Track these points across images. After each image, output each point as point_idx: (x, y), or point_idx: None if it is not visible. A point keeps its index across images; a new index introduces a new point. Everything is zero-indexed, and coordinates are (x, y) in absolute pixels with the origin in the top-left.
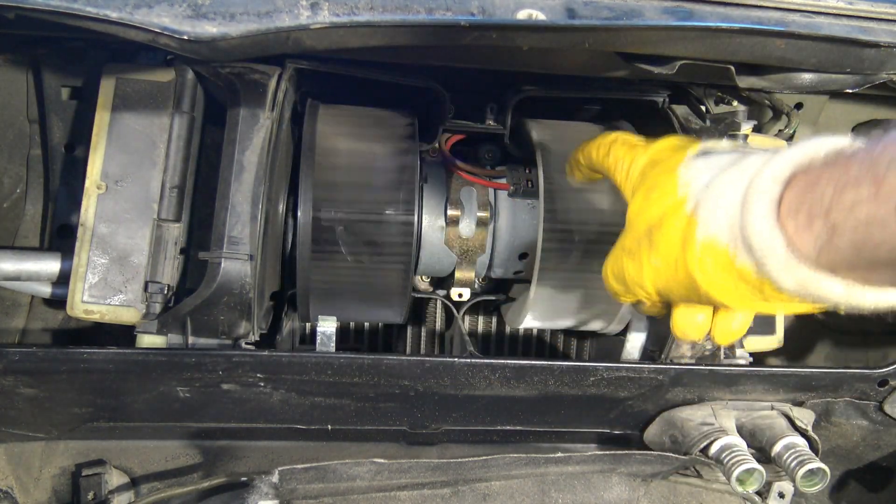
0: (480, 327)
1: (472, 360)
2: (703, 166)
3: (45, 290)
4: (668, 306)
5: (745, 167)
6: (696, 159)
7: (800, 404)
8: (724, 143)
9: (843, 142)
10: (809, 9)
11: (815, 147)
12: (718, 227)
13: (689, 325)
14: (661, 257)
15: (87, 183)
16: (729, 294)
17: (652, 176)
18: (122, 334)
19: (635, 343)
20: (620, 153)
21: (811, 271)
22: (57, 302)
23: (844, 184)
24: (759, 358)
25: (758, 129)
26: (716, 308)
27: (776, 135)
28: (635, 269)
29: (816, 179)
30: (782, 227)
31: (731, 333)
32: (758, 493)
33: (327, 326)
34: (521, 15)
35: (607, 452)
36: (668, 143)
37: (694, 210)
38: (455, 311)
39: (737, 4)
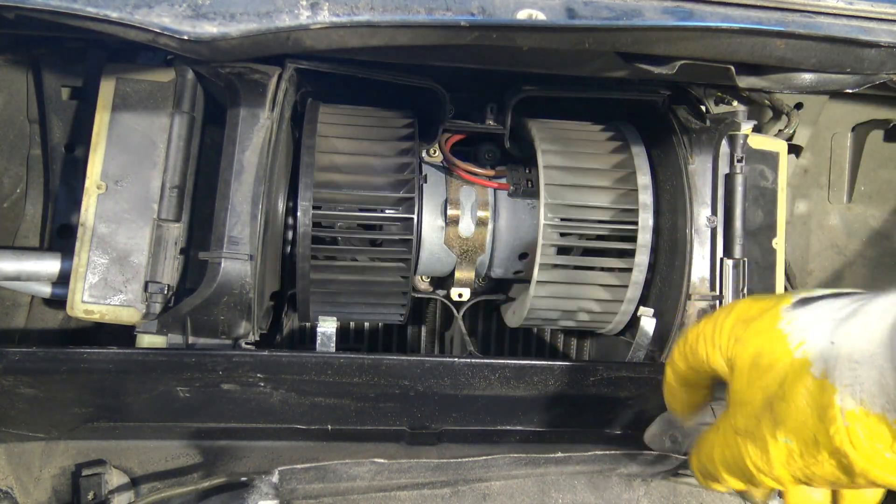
0: (480, 327)
1: (472, 360)
2: (812, 318)
3: (45, 290)
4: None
5: (874, 314)
6: (796, 311)
7: None
8: (817, 289)
9: None
10: (809, 9)
11: None
12: (866, 392)
13: None
14: (793, 435)
15: (87, 183)
16: (891, 470)
17: (749, 338)
18: (122, 334)
19: (642, 343)
20: (701, 329)
21: None
22: (57, 302)
23: None
24: None
25: (758, 129)
26: None
27: (776, 135)
28: (759, 454)
29: None
30: None
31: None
32: None
33: (327, 326)
34: (521, 15)
35: (607, 452)
36: (750, 300)
37: (825, 373)
38: (455, 311)
39: (737, 4)
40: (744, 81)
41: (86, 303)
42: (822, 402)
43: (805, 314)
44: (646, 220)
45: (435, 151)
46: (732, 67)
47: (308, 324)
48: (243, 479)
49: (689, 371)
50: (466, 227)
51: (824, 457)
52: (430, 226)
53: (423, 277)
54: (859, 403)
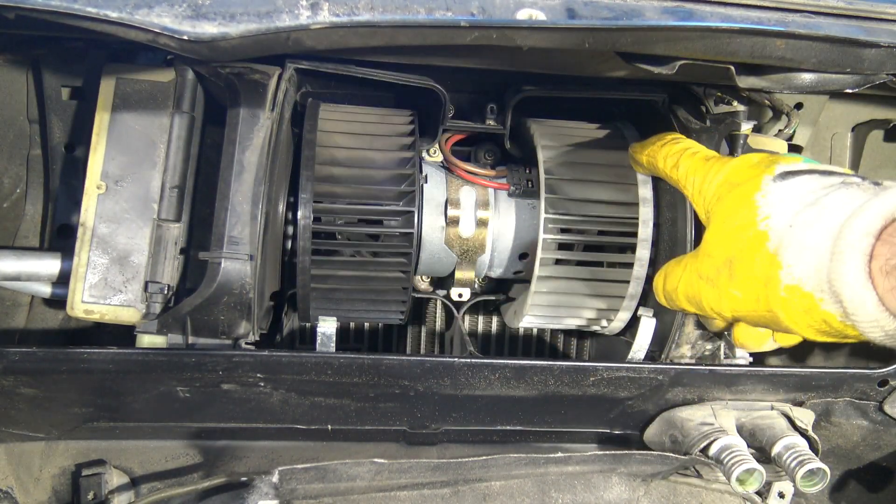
0: (480, 327)
1: (472, 360)
2: (783, 196)
3: (45, 290)
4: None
5: (831, 209)
6: (774, 184)
7: (800, 404)
8: (802, 163)
9: None
10: (809, 9)
11: None
12: (804, 274)
13: (750, 337)
14: (742, 290)
15: (87, 183)
16: (810, 331)
17: (729, 201)
18: (122, 334)
19: (642, 343)
20: (692, 167)
21: None
22: (57, 302)
23: None
24: (758, 358)
25: (758, 129)
26: None
27: (776, 135)
28: (714, 297)
29: None
30: (874, 283)
31: (788, 339)
32: (758, 493)
33: (327, 326)
34: (521, 15)
35: (607, 452)
36: (744, 161)
37: (777, 250)
38: (455, 311)
39: (737, 4)
40: (744, 81)
41: (86, 303)
42: (770, 273)
43: (779, 191)
44: (646, 214)
45: (435, 151)
46: (732, 67)
47: (308, 324)
48: (243, 479)
49: (650, 166)
50: (466, 227)
51: (763, 311)
52: (431, 226)
53: (424, 277)
54: (797, 281)
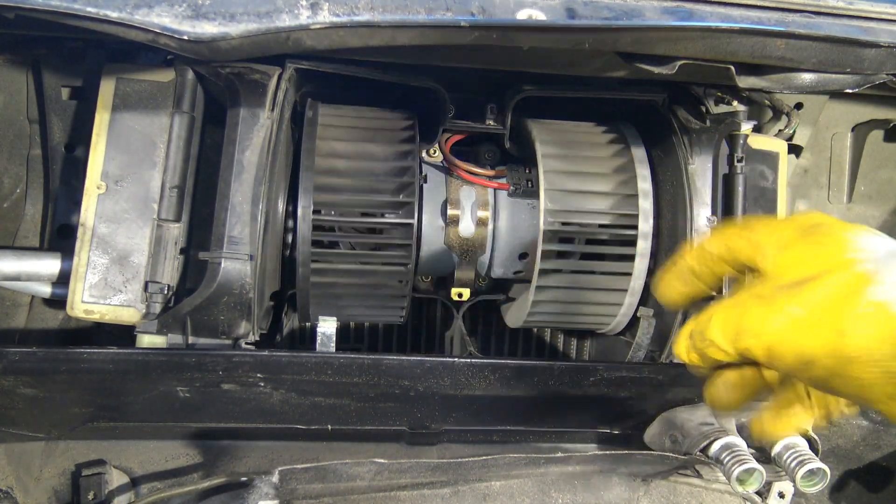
0: (480, 327)
1: (472, 360)
2: (878, 239)
3: (45, 290)
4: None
5: None
6: (865, 232)
7: None
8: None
9: None
10: (809, 9)
11: None
12: None
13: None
14: (805, 306)
15: (87, 183)
16: (876, 374)
17: (816, 234)
18: (122, 334)
19: (642, 343)
20: (755, 225)
21: None
22: (57, 302)
23: None
24: None
25: (758, 129)
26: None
27: (776, 135)
28: (761, 315)
29: None
30: None
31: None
32: (758, 493)
33: (327, 326)
34: (521, 15)
35: (607, 452)
36: (818, 214)
37: (872, 271)
38: (455, 311)
39: (737, 4)
40: (744, 81)
41: (86, 303)
42: (852, 289)
43: (872, 236)
44: (645, 227)
45: (435, 151)
46: (732, 67)
47: (308, 324)
48: (243, 479)
49: (711, 262)
50: (466, 227)
51: (822, 333)
52: (431, 226)
53: (424, 277)
54: (886, 298)
